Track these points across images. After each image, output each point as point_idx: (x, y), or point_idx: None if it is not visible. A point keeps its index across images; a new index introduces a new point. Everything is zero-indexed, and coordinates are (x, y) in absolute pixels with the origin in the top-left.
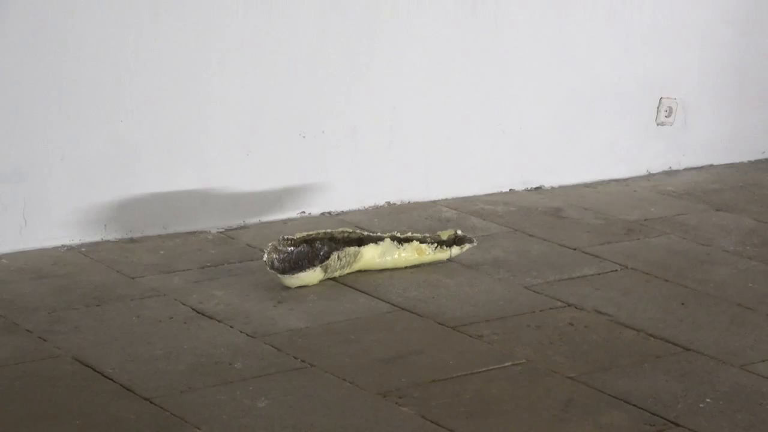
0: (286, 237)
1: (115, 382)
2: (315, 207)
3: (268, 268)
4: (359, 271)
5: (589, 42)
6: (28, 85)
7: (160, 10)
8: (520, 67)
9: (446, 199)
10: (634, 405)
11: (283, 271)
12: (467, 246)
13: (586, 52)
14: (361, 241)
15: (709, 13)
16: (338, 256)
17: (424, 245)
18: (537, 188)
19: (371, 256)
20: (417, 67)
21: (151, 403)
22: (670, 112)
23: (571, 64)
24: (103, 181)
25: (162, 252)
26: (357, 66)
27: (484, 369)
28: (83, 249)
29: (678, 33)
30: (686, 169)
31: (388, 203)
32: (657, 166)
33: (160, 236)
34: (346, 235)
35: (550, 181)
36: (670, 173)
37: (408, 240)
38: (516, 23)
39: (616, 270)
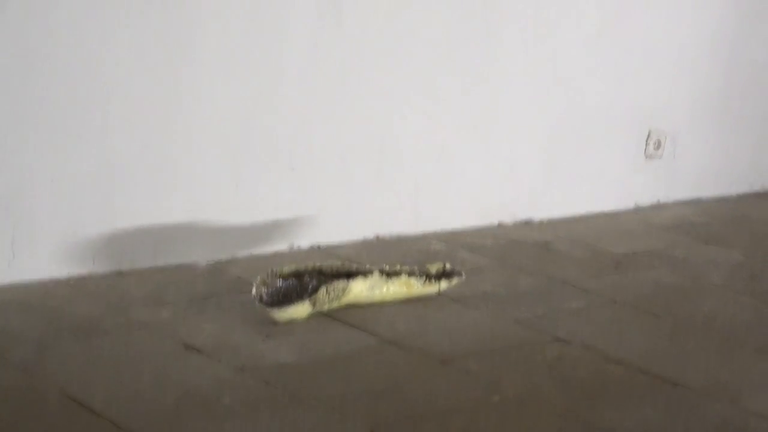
0: (274, 270)
1: (102, 417)
2: (304, 240)
3: (256, 302)
4: (348, 305)
5: (578, 74)
6: (13, 115)
7: (147, 40)
8: (509, 99)
9: (435, 232)
10: None
11: (272, 305)
12: (456, 280)
13: (574, 84)
14: (349, 275)
15: (697, 45)
16: (327, 290)
17: (412, 279)
18: (526, 221)
19: (360, 290)
20: (407, 99)
21: None
22: (658, 144)
23: (560, 96)
24: (92, 213)
25: (151, 284)
26: (347, 98)
27: (472, 403)
28: (72, 281)
29: (666, 66)
30: (675, 202)
31: (377, 236)
32: (645, 198)
33: (149, 268)
34: (334, 268)
35: (539, 213)
36: (658, 206)
37: (396, 274)
38: (506, 55)
39: (605, 303)
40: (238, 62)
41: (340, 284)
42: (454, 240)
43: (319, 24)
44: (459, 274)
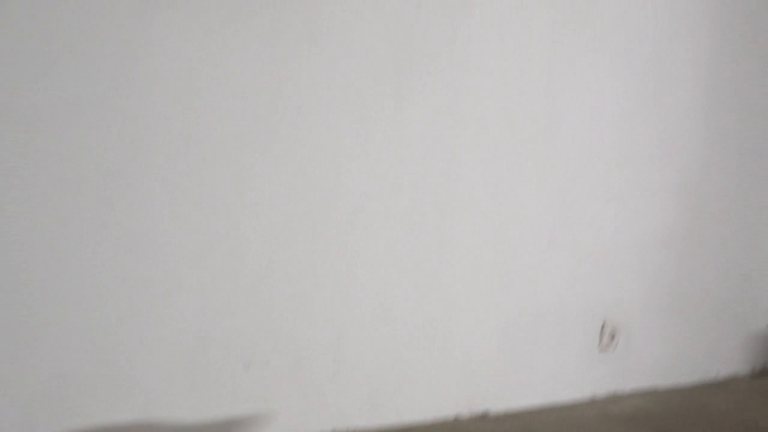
0: None
1: None
2: None
3: None
4: None
5: (531, 274)
6: None
7: (101, 264)
8: (463, 292)
9: (392, 425)
10: None
11: None
12: None
13: (528, 282)
14: None
15: (649, 240)
16: None
17: None
18: (483, 413)
19: None
20: (362, 296)
21: None
22: (613, 336)
23: (513, 293)
24: (43, 418)
25: None
26: (302, 295)
27: None
28: None
29: (618, 261)
30: (631, 393)
31: (334, 430)
32: (602, 390)
33: None
34: None
35: (495, 405)
36: (615, 397)
37: None
38: (458, 249)
39: None
40: (192, 263)
41: None
42: None
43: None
44: None
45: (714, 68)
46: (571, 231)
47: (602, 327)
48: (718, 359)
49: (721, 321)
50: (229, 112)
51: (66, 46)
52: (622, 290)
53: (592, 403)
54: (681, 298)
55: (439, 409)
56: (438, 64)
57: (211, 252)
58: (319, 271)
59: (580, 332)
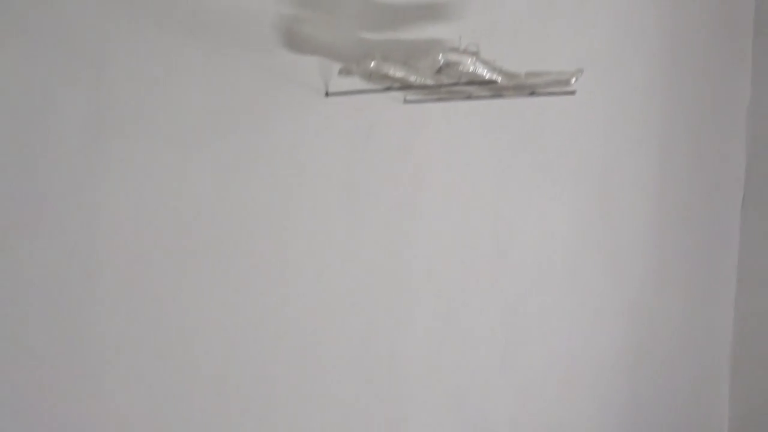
0: None
1: None
2: None
3: None
4: None
5: (484, 389)
6: None
7: None
8: (414, 413)
9: None
10: None
11: None
12: None
13: (480, 398)
14: None
15: (600, 355)
16: None
17: None
18: None
19: None
20: (313, 413)
21: None
22: None
23: (466, 410)
24: None
25: None
26: (256, 419)
27: None
28: None
29: (570, 378)
30: None
31: None
32: None
33: None
34: None
35: None
36: None
37: None
38: (410, 370)
39: None
40: None
41: None
42: None
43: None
44: None
45: (661, 189)
46: (523, 351)
47: None
48: None
49: None
50: (179, 236)
51: (19, 171)
52: (574, 411)
53: None
54: (634, 417)
55: None
56: (389, 184)
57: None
58: (270, 394)
59: None
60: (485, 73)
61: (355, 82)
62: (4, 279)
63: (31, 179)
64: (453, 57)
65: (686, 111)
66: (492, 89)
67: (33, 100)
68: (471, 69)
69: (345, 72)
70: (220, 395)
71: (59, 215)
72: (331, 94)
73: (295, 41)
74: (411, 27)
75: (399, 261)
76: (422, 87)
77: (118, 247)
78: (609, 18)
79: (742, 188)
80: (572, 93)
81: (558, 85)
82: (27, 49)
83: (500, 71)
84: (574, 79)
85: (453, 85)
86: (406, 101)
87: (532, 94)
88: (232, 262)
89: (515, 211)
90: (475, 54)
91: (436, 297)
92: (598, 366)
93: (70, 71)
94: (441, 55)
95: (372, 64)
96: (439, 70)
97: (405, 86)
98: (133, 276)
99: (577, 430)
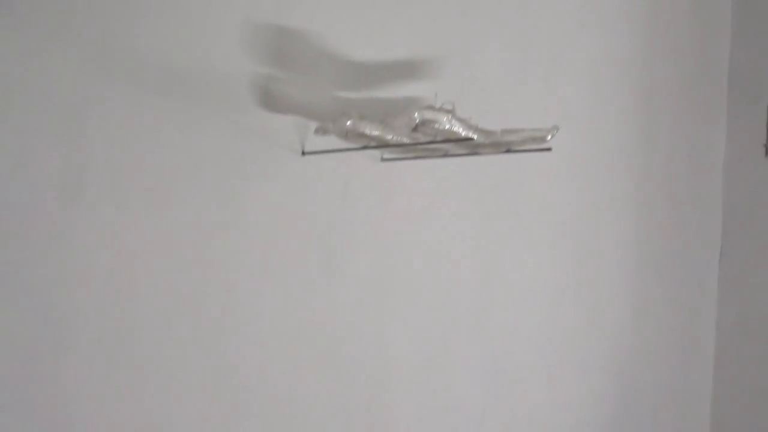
0: None
1: None
2: None
3: None
4: None
5: None
6: None
7: None
8: None
9: None
10: None
11: None
12: None
13: None
14: None
15: (581, 410)
16: None
17: None
18: None
19: None
20: None
21: None
22: None
23: None
24: None
25: None
26: None
27: None
28: None
29: None
30: None
31: None
32: None
33: None
34: None
35: None
36: None
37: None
38: (392, 429)
39: None
40: None
41: None
42: None
43: None
44: None
45: (639, 242)
46: (504, 408)
47: None
48: None
49: None
50: (155, 297)
51: None
52: None
53: None
54: None
55: None
56: (368, 242)
57: None
58: None
59: None
60: (461, 131)
61: (332, 141)
62: None
63: (5, 239)
64: (429, 115)
65: (662, 165)
66: (468, 147)
67: (10, 159)
68: (447, 127)
69: (321, 131)
70: None
71: (34, 276)
72: (308, 153)
73: (271, 100)
74: (387, 85)
75: (378, 319)
76: (399, 145)
77: (94, 309)
78: (584, 75)
79: (720, 240)
80: (548, 149)
81: (534, 142)
82: (3, 108)
83: (476, 129)
84: (550, 136)
85: (429, 143)
86: (383, 159)
87: (509, 151)
88: (209, 324)
89: (494, 267)
90: (451, 112)
91: (416, 354)
92: (579, 420)
93: (47, 130)
94: (417, 113)
95: (348, 122)
96: (416, 128)
97: (382, 144)
98: (109, 338)
99: None
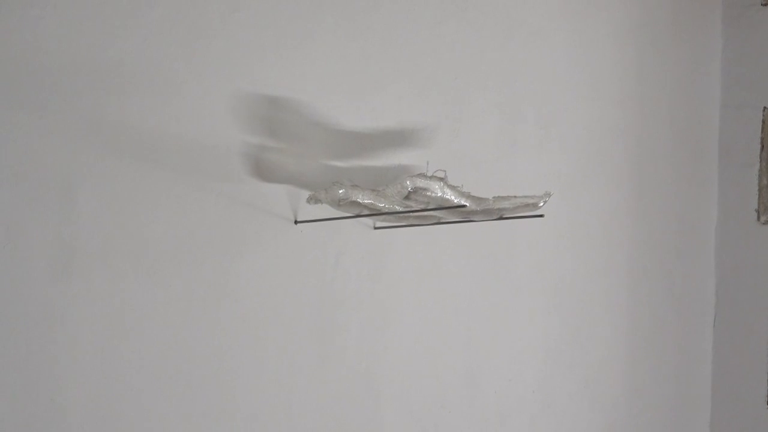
0: None
1: None
2: None
3: None
4: None
5: None
6: None
7: None
8: None
9: None
10: None
11: None
12: None
13: None
14: None
15: None
16: None
17: None
18: None
19: None
20: None
21: None
22: None
23: None
24: None
25: None
26: None
27: None
28: None
29: None
30: None
31: None
32: None
33: None
34: None
35: None
36: None
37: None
38: None
39: None
40: None
41: None
42: None
43: None
44: None
45: (632, 310)
46: None
47: None
48: None
49: None
50: (147, 370)
51: None
52: None
53: None
54: None
55: None
56: (360, 310)
57: None
58: None
59: None
60: (454, 198)
61: (325, 209)
62: None
63: None
64: (421, 183)
65: (654, 230)
66: (461, 214)
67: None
68: (439, 194)
69: (313, 200)
70: None
71: (24, 351)
72: (300, 222)
73: (263, 170)
74: (378, 154)
75: (370, 388)
76: (392, 213)
77: (84, 382)
78: (575, 143)
79: (713, 307)
80: (540, 216)
81: (526, 209)
82: None
83: (468, 196)
84: (542, 203)
85: (422, 210)
86: (375, 227)
87: (501, 218)
88: (203, 395)
89: (487, 335)
90: (443, 179)
91: (407, 424)
92: None
93: (38, 202)
94: (409, 181)
95: (341, 191)
96: (408, 196)
97: (374, 212)
98: (99, 412)
99: None
